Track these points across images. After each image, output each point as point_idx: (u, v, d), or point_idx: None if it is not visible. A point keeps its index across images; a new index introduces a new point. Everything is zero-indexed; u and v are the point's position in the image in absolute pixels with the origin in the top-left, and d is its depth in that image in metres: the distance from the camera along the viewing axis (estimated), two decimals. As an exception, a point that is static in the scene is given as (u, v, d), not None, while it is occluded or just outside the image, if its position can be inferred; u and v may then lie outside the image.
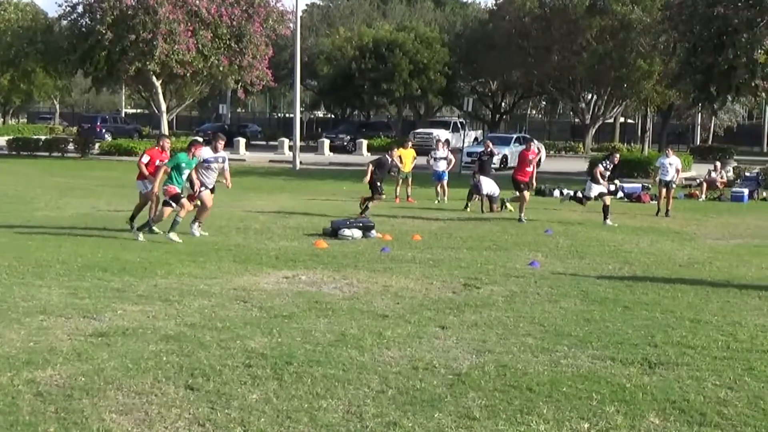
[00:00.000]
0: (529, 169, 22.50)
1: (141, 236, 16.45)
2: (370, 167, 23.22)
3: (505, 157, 46.62)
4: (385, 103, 68.66)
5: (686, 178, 37.66)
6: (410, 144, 29.76)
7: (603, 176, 22.15)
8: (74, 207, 22.73)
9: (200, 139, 17.51)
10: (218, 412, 6.93)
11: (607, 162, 22.60)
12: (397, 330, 9.70)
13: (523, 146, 25.45)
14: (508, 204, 24.35)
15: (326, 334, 9.46)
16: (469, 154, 41.67)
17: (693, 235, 20.19)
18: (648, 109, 64.16)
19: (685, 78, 37.40)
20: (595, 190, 22.14)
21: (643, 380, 7.99)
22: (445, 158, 28.21)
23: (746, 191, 31.81)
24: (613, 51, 54.99)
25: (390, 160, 24.09)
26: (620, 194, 31.28)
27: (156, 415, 6.87)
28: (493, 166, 28.12)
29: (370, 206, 22.37)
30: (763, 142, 77.05)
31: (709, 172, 34.65)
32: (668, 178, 24.94)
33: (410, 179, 27.60)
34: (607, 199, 22.03)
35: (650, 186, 31.91)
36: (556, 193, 31.66)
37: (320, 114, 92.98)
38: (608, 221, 21.56)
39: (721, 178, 34.52)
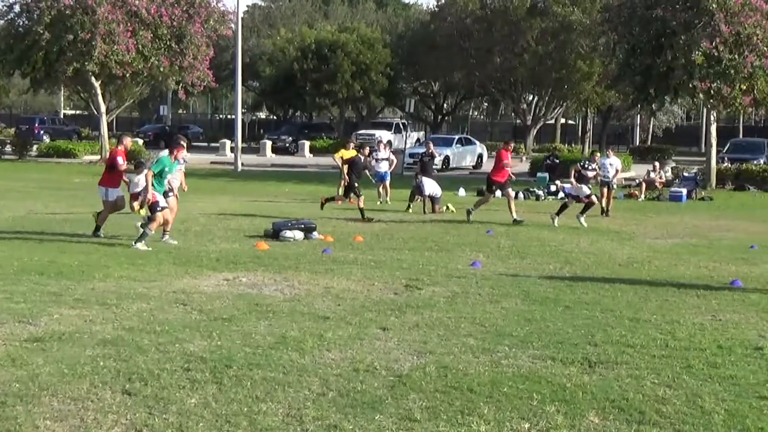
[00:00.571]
0: (507, 170, 22.34)
1: (141, 245, 15.83)
2: (346, 168, 23.18)
3: (447, 158, 46.80)
4: (327, 104, 68.51)
5: (626, 179, 38.06)
6: (352, 145, 29.68)
7: (583, 175, 22.23)
8: (11, 210, 22.35)
9: (183, 141, 17.03)
10: (156, 417, 6.83)
11: (589, 163, 22.70)
12: (338, 332, 9.65)
13: (488, 148, 25.46)
14: (451, 206, 24.42)
15: (266, 336, 9.38)
16: (412, 155, 41.74)
17: (632, 234, 20.36)
18: (588, 110, 64.80)
19: (624, 79, 37.74)
20: (585, 189, 22.16)
21: (583, 379, 8.02)
22: (387, 159, 28.21)
23: (684, 191, 32.19)
24: (554, 52, 55.45)
25: (363, 158, 23.98)
26: (561, 194, 31.53)
27: (92, 421, 6.75)
28: (435, 167, 28.18)
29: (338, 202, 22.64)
30: (701, 143, 78.07)
31: (648, 173, 35.02)
32: (609, 179, 25.17)
33: (352, 180, 27.51)
34: (593, 199, 22.19)
35: (590, 186, 32.13)
36: (498, 193, 31.74)
37: (262, 115, 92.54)
38: (583, 220, 21.60)
39: (660, 178, 34.90)
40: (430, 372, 8.15)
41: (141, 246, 15.66)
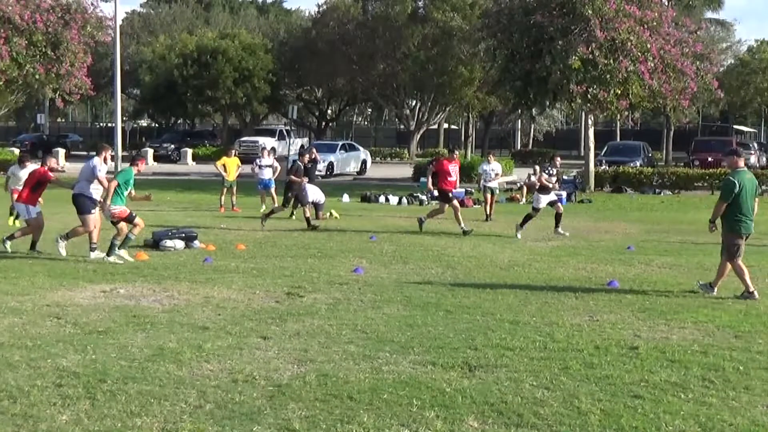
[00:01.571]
0: (452, 178, 21.64)
1: (113, 258, 15.50)
2: (293, 178, 22.91)
3: (331, 164, 46.78)
4: (209, 111, 67.86)
5: (507, 182, 38.58)
6: (234, 152, 29.42)
7: (550, 183, 21.25)
8: None
9: (144, 153, 16.51)
10: (25, 436, 6.60)
11: (550, 168, 21.77)
12: (218, 342, 9.50)
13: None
14: (334, 212, 24.35)
15: (143, 348, 9.17)
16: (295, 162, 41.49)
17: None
18: (470, 115, 65.47)
19: (504, 84, 38.21)
20: (544, 200, 21.09)
21: (463, 384, 8.04)
22: (271, 166, 27.97)
23: (564, 194, 32.66)
24: (435, 58, 55.93)
25: (302, 165, 23.55)
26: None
27: (-44, 442, 6.49)
28: (318, 173, 28.09)
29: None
30: (581, 146, 79.64)
31: (529, 176, 35.49)
32: (490, 184, 25.47)
33: (235, 188, 27.26)
34: (560, 207, 21.42)
35: (473, 191, 32.54)
36: (381, 198, 31.90)
37: (144, 123, 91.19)
38: (560, 229, 21.15)
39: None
40: (310, 381, 8.07)
41: (124, 253, 15.55)
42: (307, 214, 22.01)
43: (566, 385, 8.06)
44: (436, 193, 31.37)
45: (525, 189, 33.72)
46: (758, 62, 62.06)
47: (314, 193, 24.51)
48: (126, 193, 15.89)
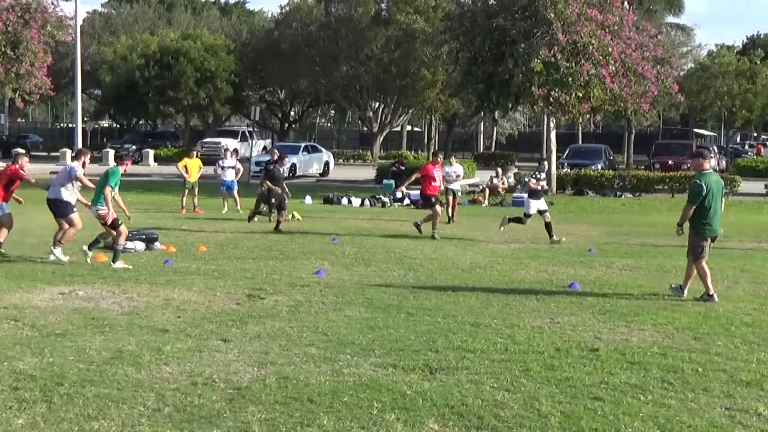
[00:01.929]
0: (436, 183, 21.47)
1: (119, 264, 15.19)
2: (267, 184, 22.70)
3: (293, 165, 46.64)
4: (171, 112, 67.48)
5: (470, 185, 38.68)
6: (195, 153, 29.28)
7: (539, 186, 20.92)
8: None
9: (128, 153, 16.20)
10: (-21, 440, 6.52)
11: (538, 173, 21.41)
12: (177, 344, 9.43)
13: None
14: (296, 214, 24.26)
15: (102, 351, 9.09)
16: (258, 164, 41.38)
17: (476, 240, 20.64)
18: (433, 118, 65.58)
19: (467, 87, 38.24)
20: (534, 206, 20.74)
21: (424, 386, 8.03)
22: (233, 167, 27.86)
23: (526, 196, 32.80)
24: (399, 60, 55.92)
25: (282, 169, 23.35)
26: (407, 201, 31.82)
27: None
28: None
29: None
30: (543, 149, 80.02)
31: (491, 179, 35.67)
32: (452, 186, 25.49)
33: (197, 189, 27.12)
34: (548, 216, 20.74)
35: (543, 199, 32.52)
36: (344, 200, 31.86)
37: (105, 124, 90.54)
38: (554, 237, 20.36)
39: (503, 184, 35.59)
40: (270, 383, 8.03)
41: (120, 264, 15.09)
42: (281, 218, 21.90)
43: (527, 387, 8.07)
44: (399, 195, 31.61)
45: (487, 191, 33.82)
46: (718, 66, 62.55)
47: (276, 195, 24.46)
48: (113, 193, 15.65)
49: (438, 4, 53.41)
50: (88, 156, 16.73)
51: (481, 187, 36.45)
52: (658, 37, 40.35)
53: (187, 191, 27.00)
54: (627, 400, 7.73)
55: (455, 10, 40.65)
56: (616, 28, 34.89)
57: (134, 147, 61.54)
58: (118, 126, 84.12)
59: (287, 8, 64.11)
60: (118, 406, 7.31)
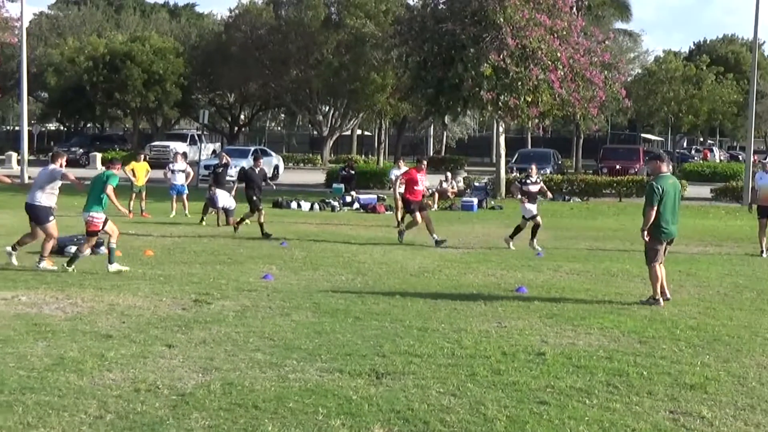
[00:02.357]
0: (419, 188, 21.03)
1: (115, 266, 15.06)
2: (237, 183, 22.46)
3: (243, 169, 46.40)
4: (119, 115, 66.89)
5: (420, 189, 38.64)
6: (143, 157, 29.03)
7: (528, 192, 20.44)
8: None
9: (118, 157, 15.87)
10: None
11: (527, 178, 21.06)
12: (121, 351, 9.30)
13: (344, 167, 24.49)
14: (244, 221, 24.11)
15: (43, 358, 8.94)
16: (206, 167, 41.18)
17: (425, 244, 20.63)
18: (383, 122, 65.59)
19: (417, 92, 38.30)
20: (532, 210, 20.28)
21: (370, 391, 7.99)
22: (184, 171, 27.65)
23: (476, 200, 33.04)
24: (349, 64, 55.85)
25: (258, 170, 23.06)
26: (356, 205, 31.81)
27: None
28: (230, 178, 27.80)
29: (249, 221, 21.87)
30: (493, 153, 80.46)
31: (441, 183, 35.71)
32: (401, 189, 25.41)
33: (144, 193, 26.90)
34: (539, 219, 20.45)
35: (385, 197, 32.58)
36: (293, 204, 31.76)
37: (52, 126, 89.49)
38: (535, 243, 20.18)
39: (452, 188, 35.65)
40: (214, 389, 7.94)
41: (116, 267, 14.94)
42: (262, 220, 21.68)
43: (473, 391, 8.06)
44: (348, 199, 31.58)
45: (437, 195, 33.86)
46: (665, 72, 63.28)
47: (224, 198, 24.34)
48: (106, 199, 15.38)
49: (388, 8, 53.42)
50: (65, 158, 16.43)
51: (430, 191, 36.45)
52: (606, 42, 40.68)
53: (134, 195, 26.76)
54: (572, 404, 7.75)
55: (405, 14, 40.69)
56: (564, 33, 35.16)
57: (81, 150, 60.83)
58: (65, 129, 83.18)
59: (236, 11, 63.78)
60: (58, 414, 7.19)
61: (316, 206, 31.35)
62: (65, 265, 15.04)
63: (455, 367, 8.92)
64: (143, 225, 23.45)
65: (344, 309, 11.96)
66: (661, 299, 12.83)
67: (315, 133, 71.90)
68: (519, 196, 20.68)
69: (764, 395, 8.20)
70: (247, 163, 47.16)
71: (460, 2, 35.47)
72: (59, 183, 15.79)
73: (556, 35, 34.79)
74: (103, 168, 16.34)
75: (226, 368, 8.72)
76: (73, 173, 16.01)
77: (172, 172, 27.53)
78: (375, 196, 33.50)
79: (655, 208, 12.72)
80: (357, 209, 31.59)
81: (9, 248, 15.77)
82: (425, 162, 22.40)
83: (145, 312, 11.53)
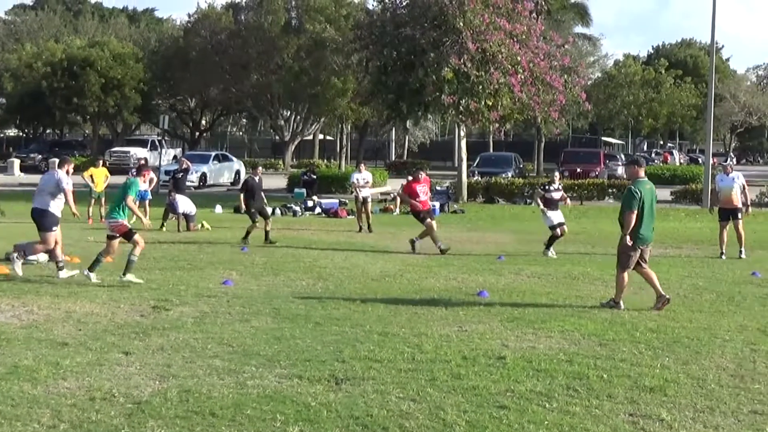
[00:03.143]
0: (424, 198, 20.65)
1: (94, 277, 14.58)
2: (242, 197, 22.05)
3: (204, 174, 46.29)
4: (78, 120, 66.32)
5: (381, 193, 38.71)
6: (101, 163, 28.78)
7: (550, 199, 19.84)
8: None
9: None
10: None
11: (548, 185, 20.39)
12: (77, 358, 9.17)
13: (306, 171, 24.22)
14: (206, 224, 23.95)
15: (-3, 367, 8.80)
16: (167, 173, 40.92)
17: (386, 248, 20.59)
18: (344, 126, 65.55)
19: (377, 96, 38.29)
20: (554, 218, 19.69)
21: (329, 397, 7.92)
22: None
23: (438, 204, 32.99)
24: (309, 69, 55.76)
25: (258, 178, 22.76)
26: (318, 210, 31.73)
27: None
28: (191, 183, 27.64)
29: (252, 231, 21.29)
30: (455, 157, 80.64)
31: (403, 187, 35.64)
32: (362, 193, 25.39)
33: (104, 199, 26.65)
34: (565, 229, 19.86)
35: (347, 201, 32.52)
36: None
37: (11, 133, 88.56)
38: (551, 252, 19.49)
39: (414, 192, 35.58)
40: (171, 397, 7.84)
41: (132, 278, 14.45)
42: (268, 228, 21.44)
43: (433, 396, 8.01)
44: (310, 204, 31.49)
45: (398, 200, 33.84)
46: (624, 76, 63.74)
47: (185, 204, 24.18)
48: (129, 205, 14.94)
49: (349, 13, 53.40)
50: (71, 165, 16.12)
51: (392, 195, 36.47)
52: (566, 46, 40.91)
53: (93, 201, 26.53)
54: (532, 407, 7.72)
55: (365, 19, 40.63)
56: (524, 37, 35.30)
57: (40, 156, 60.27)
58: (24, 135, 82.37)
59: (196, 16, 63.45)
60: (11, 424, 7.06)
61: (278, 211, 31.20)
62: (122, 274, 14.53)
63: (415, 372, 8.87)
64: (102, 231, 23.12)
65: (304, 314, 11.87)
66: (622, 303, 12.82)
67: (277, 137, 71.64)
68: (540, 206, 19.92)
69: (723, 397, 8.22)
70: (208, 168, 47.33)
71: (420, 7, 35.50)
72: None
73: (515, 39, 34.92)
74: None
75: (184, 375, 8.61)
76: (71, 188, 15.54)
77: (134, 178, 27.25)
78: (337, 201, 33.45)
79: (635, 212, 12.67)
80: (319, 214, 31.52)
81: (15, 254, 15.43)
82: (422, 173, 21.93)
83: (102, 319, 11.39)
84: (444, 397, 7.97)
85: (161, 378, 8.51)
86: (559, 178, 20.80)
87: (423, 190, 20.82)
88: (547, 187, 20.31)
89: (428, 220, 20.38)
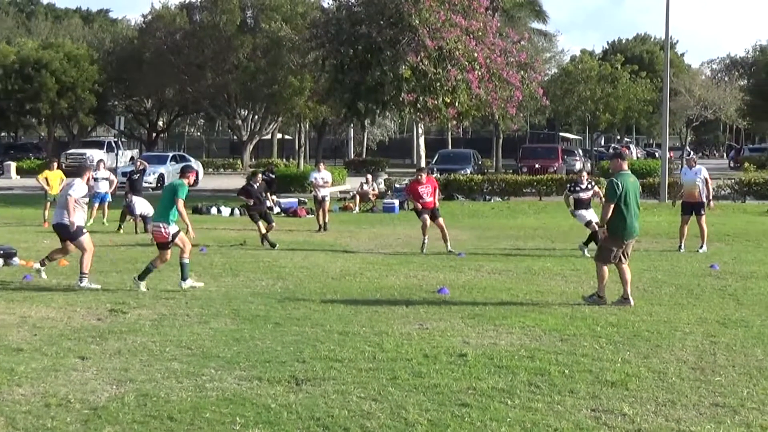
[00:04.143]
0: (429, 198, 20.27)
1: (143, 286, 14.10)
2: (241, 198, 21.89)
3: (161, 175, 45.94)
4: (33, 123, 65.58)
5: (340, 191, 38.61)
6: (56, 165, 28.44)
7: (579, 199, 19.47)
8: None
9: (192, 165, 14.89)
10: None
11: (576, 185, 19.80)
12: (32, 364, 9.01)
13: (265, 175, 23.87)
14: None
15: (-50, 374, 8.62)
16: (123, 174, 40.54)
17: (346, 247, 20.51)
18: (302, 125, 65.30)
19: (334, 95, 38.14)
20: (588, 216, 19.21)
21: (289, 398, 7.83)
22: (107, 179, 27.06)
23: (397, 202, 33.00)
24: (266, 68, 55.44)
25: (256, 185, 22.43)
26: (277, 209, 31.54)
27: None
28: (148, 185, 27.38)
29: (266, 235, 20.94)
30: (414, 155, 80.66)
31: (362, 185, 35.63)
32: (321, 192, 25.28)
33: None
34: (595, 225, 18.50)
35: (306, 200, 32.39)
36: (213, 210, 31.42)
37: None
38: (586, 252, 18.76)
39: (373, 190, 35.61)
40: (128, 402, 7.72)
41: (191, 283, 14.23)
42: (263, 231, 21.20)
43: (394, 395, 7.94)
44: (269, 203, 31.29)
45: (358, 198, 33.79)
46: (581, 72, 63.92)
47: (142, 205, 23.91)
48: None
49: (305, 11, 53.16)
50: (92, 173, 15.77)
51: (351, 193, 36.40)
52: (522, 42, 41.00)
53: (48, 204, 26.19)
54: (494, 405, 7.68)
55: (320, 17, 40.41)
56: (480, 34, 35.29)
57: (-6, 159, 59.65)
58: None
59: (150, 16, 62.87)
60: (-37, 433, 6.92)
61: (236, 211, 31.03)
62: (136, 278, 14.30)
63: (376, 371, 8.80)
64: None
65: (264, 315, 11.77)
66: (606, 298, 12.79)
67: (235, 137, 71.22)
68: (570, 208, 19.69)
69: (684, 390, 8.22)
70: (165, 169, 46.96)
71: (376, 5, 35.38)
72: (86, 198, 15.40)
73: (472, 36, 34.92)
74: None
75: (141, 379, 8.48)
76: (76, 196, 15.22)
77: (96, 180, 26.92)
78: (296, 200, 33.31)
79: (613, 204, 12.58)
80: (278, 213, 31.32)
81: (37, 264, 15.38)
82: (424, 174, 21.38)
83: (58, 323, 11.22)
84: (405, 396, 7.91)
85: (118, 383, 8.38)
86: (587, 178, 20.26)
87: (426, 191, 20.48)
88: (574, 188, 19.80)
89: (438, 220, 20.19)
